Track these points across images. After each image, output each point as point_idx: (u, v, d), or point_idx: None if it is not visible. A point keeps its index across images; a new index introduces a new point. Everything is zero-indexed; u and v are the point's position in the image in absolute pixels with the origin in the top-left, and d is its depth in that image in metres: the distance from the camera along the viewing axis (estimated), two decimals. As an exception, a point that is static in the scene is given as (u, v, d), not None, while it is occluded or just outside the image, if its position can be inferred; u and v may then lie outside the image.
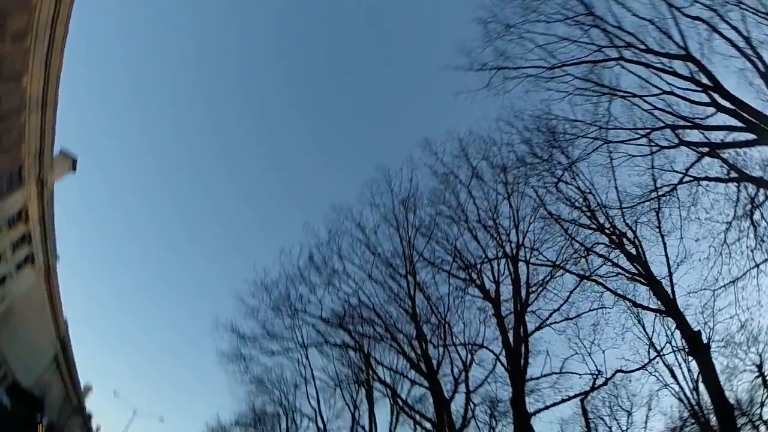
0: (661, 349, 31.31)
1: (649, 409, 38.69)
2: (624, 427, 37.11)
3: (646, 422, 36.60)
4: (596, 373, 29.40)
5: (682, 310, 22.83)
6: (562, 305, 29.42)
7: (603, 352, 29.92)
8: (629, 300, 27.58)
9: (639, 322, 31.60)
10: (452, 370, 34.49)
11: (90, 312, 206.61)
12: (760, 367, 32.58)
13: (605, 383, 30.01)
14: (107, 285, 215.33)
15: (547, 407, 29.68)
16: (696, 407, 32.58)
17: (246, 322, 48.63)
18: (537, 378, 31.33)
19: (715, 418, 25.34)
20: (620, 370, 29.39)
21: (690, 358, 29.86)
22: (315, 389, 44.85)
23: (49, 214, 42.85)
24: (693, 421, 33.19)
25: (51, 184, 40.33)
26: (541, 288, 30.51)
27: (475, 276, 32.18)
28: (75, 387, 63.70)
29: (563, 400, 30.17)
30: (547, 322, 30.05)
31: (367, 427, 42.34)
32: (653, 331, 31.03)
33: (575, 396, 30.52)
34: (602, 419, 37.82)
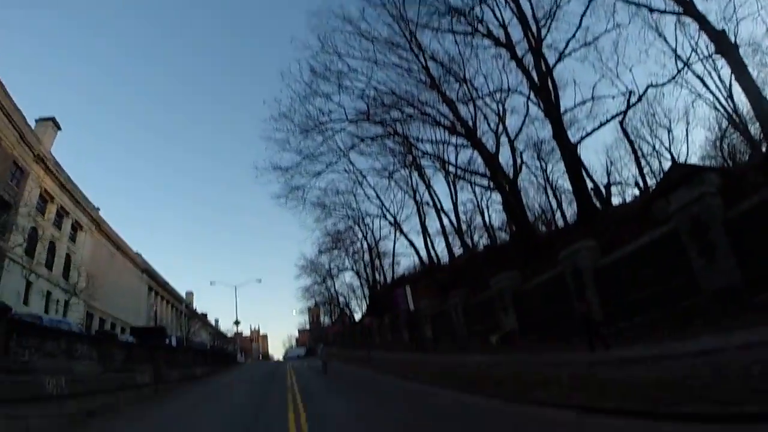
0: (688, 59, 31.57)
1: (688, 123, 41.71)
2: (666, 143, 40.14)
3: (687, 136, 39.46)
4: (628, 92, 32.15)
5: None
6: (576, 32, 30.13)
7: (630, 70, 35.11)
8: (644, 6, 28.14)
9: (660, 35, 32.24)
10: (489, 125, 37.38)
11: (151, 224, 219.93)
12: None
13: (639, 100, 32.74)
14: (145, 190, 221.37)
15: (588, 134, 33.40)
16: (733, 114, 33.84)
17: (283, 156, 55.31)
18: (571, 109, 34.60)
19: (758, 124, 26.43)
20: (651, 85, 31.86)
21: (720, 65, 32.06)
22: (371, 187, 53.10)
23: (66, 179, 43.61)
24: (733, 129, 34.52)
25: (48, 153, 40.22)
26: (550, 20, 30.58)
27: (477, 24, 32.40)
28: (178, 300, 71.47)
29: (602, 124, 33.41)
30: (566, 52, 31.01)
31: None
32: (676, 42, 31.28)
33: (613, 117, 33.32)
34: (644, 139, 41.19)
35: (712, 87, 34.77)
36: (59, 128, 43.18)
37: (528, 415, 9.09)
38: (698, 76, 34.39)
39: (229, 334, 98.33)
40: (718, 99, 34.86)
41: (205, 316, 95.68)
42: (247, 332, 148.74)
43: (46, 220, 39.70)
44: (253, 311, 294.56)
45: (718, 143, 35.80)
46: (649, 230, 17.41)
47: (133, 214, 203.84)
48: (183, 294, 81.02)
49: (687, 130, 46.19)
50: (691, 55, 31.35)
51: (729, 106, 34.13)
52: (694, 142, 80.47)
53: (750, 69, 24.60)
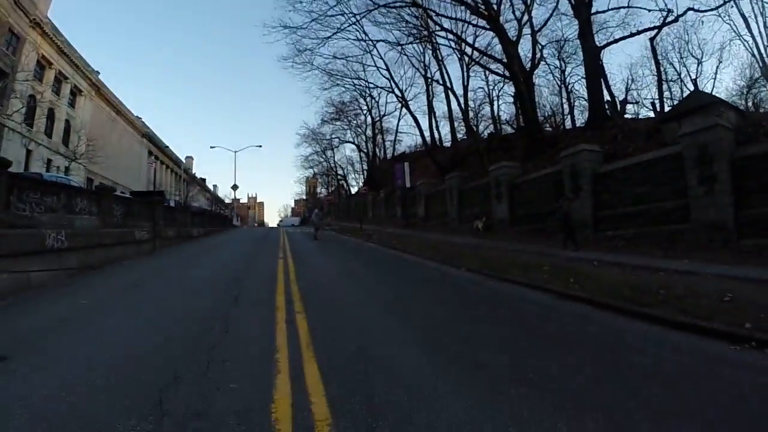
0: None
1: (720, 62, 40.71)
2: (693, 75, 39.02)
3: (716, 73, 38.55)
4: (666, 10, 30.49)
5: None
6: None
7: None
8: None
9: None
10: (514, 13, 36.08)
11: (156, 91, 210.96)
12: None
13: (676, 20, 31.19)
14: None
15: (616, 41, 32.75)
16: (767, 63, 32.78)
17: (292, 18, 53.07)
18: (604, 11, 33.77)
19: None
20: (693, 9, 30.04)
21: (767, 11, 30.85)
22: (381, 58, 52.99)
23: (63, 42, 42.11)
24: (764, 80, 33.32)
25: (45, 17, 38.56)
26: None
27: None
28: (178, 165, 71.68)
29: (632, 34, 32.45)
30: None
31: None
32: None
33: (645, 30, 32.26)
34: (672, 65, 40.11)
35: (755, 31, 33.40)
36: (56, -10, 40.67)
37: (506, 290, 9.70)
38: (743, 15, 32.71)
39: (227, 200, 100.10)
40: (757, 44, 33.27)
41: (203, 181, 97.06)
42: (244, 200, 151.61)
43: (44, 87, 38.91)
44: (251, 179, 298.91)
45: (745, 91, 34.05)
46: (655, 149, 17.47)
47: (135, 78, 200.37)
48: (183, 159, 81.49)
49: (717, 68, 44.37)
50: None
51: (766, 54, 32.66)
52: (721, 81, 77.65)
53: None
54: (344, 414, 3.43)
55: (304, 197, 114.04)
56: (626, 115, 33.77)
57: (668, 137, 18.29)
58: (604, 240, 17.12)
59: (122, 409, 3.53)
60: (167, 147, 71.23)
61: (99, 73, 50.49)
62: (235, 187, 55.23)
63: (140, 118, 63.18)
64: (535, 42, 36.06)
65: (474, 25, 37.00)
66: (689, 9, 29.85)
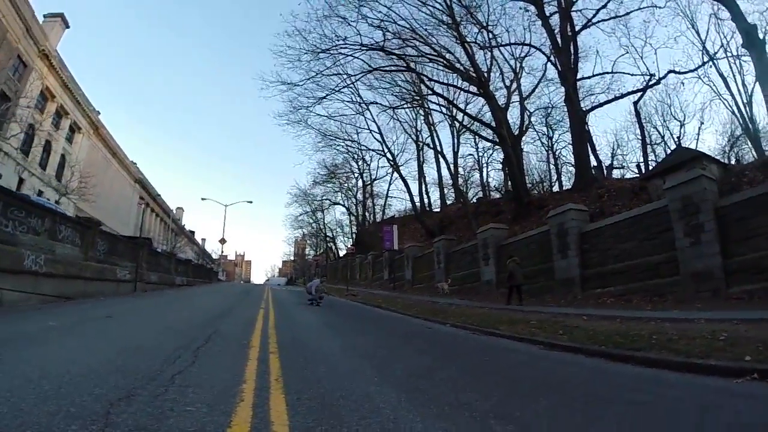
0: (715, 53, 31.51)
1: (702, 122, 41.65)
2: (676, 137, 39.29)
3: (698, 134, 39.67)
4: (648, 74, 32.28)
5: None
6: (608, 1, 29.24)
7: (655, 51, 37.67)
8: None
9: (692, 26, 33.01)
10: (504, 81, 37.56)
11: (153, 142, 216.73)
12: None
13: (658, 82, 32.52)
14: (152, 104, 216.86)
15: (600, 104, 33.84)
16: (749, 122, 33.18)
17: (290, 76, 54.09)
18: (589, 77, 34.96)
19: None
20: (673, 71, 31.60)
21: (746, 69, 31.50)
22: (374, 121, 53.68)
23: (68, 78, 42.58)
24: (744, 138, 34.04)
25: (54, 51, 39.13)
26: (583, -18, 29.43)
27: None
28: (168, 215, 71.30)
29: (616, 98, 33.47)
30: (594, 20, 30.48)
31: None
32: (707, 37, 32.41)
33: (628, 93, 33.24)
34: (656, 128, 40.84)
35: (734, 90, 34.14)
36: (68, 26, 41.88)
37: (491, 342, 9.28)
38: (722, 75, 33.83)
39: (215, 255, 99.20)
40: (737, 103, 34.24)
41: (192, 234, 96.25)
42: (232, 257, 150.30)
43: (44, 118, 38.96)
44: (240, 236, 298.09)
45: (727, 149, 35.25)
46: (641, 206, 17.58)
47: (134, 126, 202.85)
48: (173, 210, 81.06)
49: (700, 129, 46.16)
50: (718, 50, 30.85)
51: (746, 113, 33.55)
52: (704, 141, 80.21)
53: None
54: None
55: (292, 258, 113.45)
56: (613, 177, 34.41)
57: (653, 194, 18.45)
58: (592, 297, 16.88)
59: (67, 415, 3.23)
60: (159, 195, 70.94)
61: (99, 113, 50.99)
62: (223, 241, 54.96)
63: (135, 163, 63.24)
64: (523, 109, 37.46)
65: (465, 91, 38.27)
66: (670, 71, 31.22)
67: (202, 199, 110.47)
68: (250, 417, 3.49)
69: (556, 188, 41.88)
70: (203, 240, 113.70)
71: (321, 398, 4.20)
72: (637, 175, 33.89)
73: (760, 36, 23.41)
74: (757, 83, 26.45)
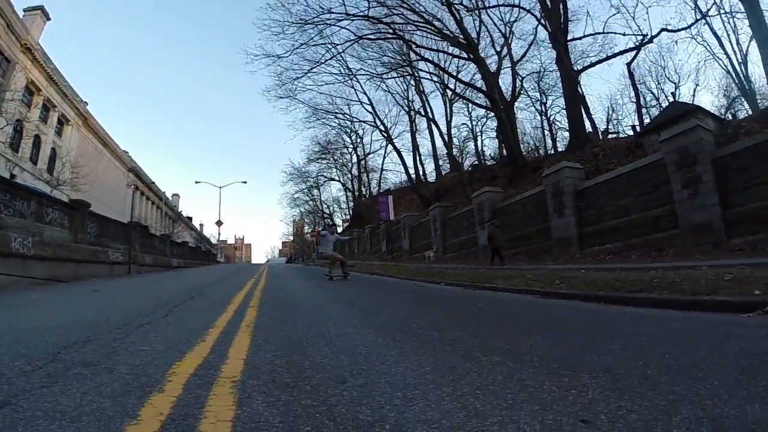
0: (707, 11, 30.44)
1: (697, 84, 40.58)
2: (671, 99, 38.41)
3: (693, 96, 39.22)
4: (641, 34, 31.49)
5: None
6: None
7: (647, 10, 35.06)
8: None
9: None
10: (494, 47, 36.84)
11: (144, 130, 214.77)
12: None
13: (650, 41, 31.61)
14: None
15: (592, 64, 33.08)
16: (744, 81, 32.96)
17: (276, 48, 52.22)
18: (580, 38, 34.29)
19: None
20: (665, 29, 30.60)
21: (740, 27, 31.20)
22: (364, 93, 52.35)
23: (53, 70, 41.95)
24: (741, 98, 33.45)
25: (36, 44, 38.49)
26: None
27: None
28: (163, 201, 70.74)
29: (608, 57, 32.89)
30: None
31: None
32: None
33: (620, 53, 32.62)
34: (650, 91, 40.98)
35: (729, 49, 33.68)
36: (48, 18, 41.12)
37: (485, 295, 9.03)
38: (715, 34, 33.29)
39: (214, 240, 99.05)
40: (732, 62, 33.73)
41: (190, 219, 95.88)
42: (231, 241, 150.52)
43: (31, 113, 38.51)
44: (239, 220, 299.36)
45: (724, 110, 34.27)
46: (637, 160, 17.21)
47: (125, 113, 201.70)
48: (169, 196, 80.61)
49: (695, 90, 45.60)
50: (711, 7, 29.85)
51: (742, 72, 33.03)
52: (700, 102, 79.30)
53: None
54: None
55: (291, 238, 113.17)
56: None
57: (649, 150, 18.14)
58: (591, 255, 16.60)
59: (16, 356, 3.13)
60: (153, 183, 70.35)
61: (87, 103, 50.23)
62: (219, 223, 54.45)
63: (127, 152, 62.58)
64: (515, 74, 36.74)
65: (455, 56, 37.59)
66: (663, 30, 30.40)
67: (196, 182, 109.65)
68: (206, 353, 3.21)
69: (552, 152, 41.62)
70: (201, 225, 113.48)
71: (289, 338, 3.91)
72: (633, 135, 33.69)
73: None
74: (753, 42, 26.04)
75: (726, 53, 33.73)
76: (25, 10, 37.97)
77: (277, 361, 3.04)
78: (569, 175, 18.87)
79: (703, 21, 30.98)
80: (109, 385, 2.46)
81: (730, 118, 29.55)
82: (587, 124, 32.52)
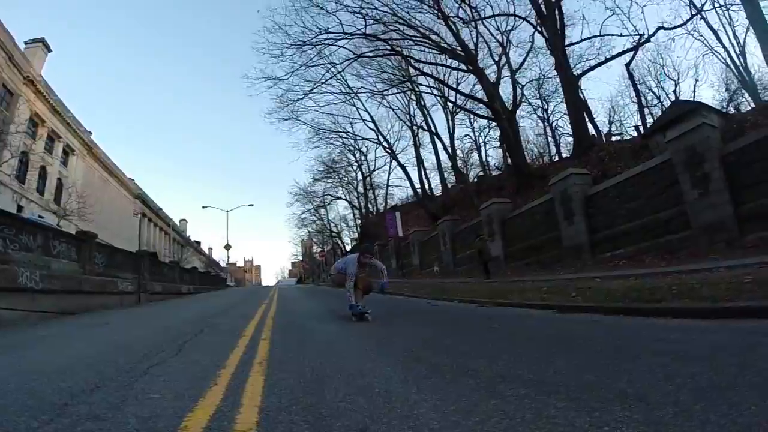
0: (702, 6, 29.83)
1: (696, 80, 40.12)
2: (672, 97, 38.22)
3: (694, 91, 38.65)
4: (638, 34, 31.38)
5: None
6: None
7: (642, 10, 35.32)
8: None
9: None
10: (492, 57, 37.11)
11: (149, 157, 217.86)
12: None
13: (647, 40, 31.60)
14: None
15: (591, 68, 32.96)
16: (744, 73, 32.43)
17: (275, 70, 52.25)
18: (577, 43, 33.95)
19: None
20: (662, 27, 30.56)
21: (736, 19, 30.37)
22: (366, 110, 52.96)
23: (56, 101, 42.42)
24: (742, 90, 32.96)
25: (38, 76, 38.97)
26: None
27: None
28: (171, 227, 71.29)
29: (606, 60, 32.57)
30: None
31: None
32: None
33: (619, 54, 32.40)
34: (651, 90, 40.10)
35: (726, 42, 33.27)
36: (49, 50, 41.82)
37: (500, 311, 8.86)
38: (712, 28, 32.81)
39: (223, 264, 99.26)
40: (730, 55, 33.39)
41: (198, 244, 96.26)
42: (240, 263, 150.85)
43: (36, 144, 38.96)
44: (246, 242, 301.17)
45: (725, 104, 33.61)
46: (643, 162, 17.03)
47: (128, 141, 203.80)
48: (177, 222, 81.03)
49: (695, 86, 45.44)
50: (705, 2, 29.51)
51: (741, 64, 32.64)
52: (700, 98, 79.11)
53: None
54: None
55: (300, 258, 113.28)
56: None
57: (655, 151, 17.95)
58: (603, 262, 16.35)
59: (22, 408, 3.03)
60: (161, 209, 70.77)
61: (91, 133, 50.78)
62: (228, 247, 54.57)
63: (133, 179, 63.02)
64: (514, 82, 36.57)
65: (454, 69, 37.62)
66: (659, 28, 30.42)
67: (203, 207, 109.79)
68: (219, 401, 3.06)
69: (556, 160, 41.53)
70: (210, 249, 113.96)
71: (304, 377, 3.77)
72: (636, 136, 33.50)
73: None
74: (750, 31, 25.93)
75: (724, 46, 33.48)
76: (26, 43, 38.59)
77: (293, 407, 2.89)
78: (576, 181, 18.74)
79: (699, 16, 30.74)
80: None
81: (733, 111, 29.43)
82: (590, 127, 32.39)
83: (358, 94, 45.09)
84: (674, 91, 38.79)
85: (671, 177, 14.57)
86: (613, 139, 36.68)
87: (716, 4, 29.86)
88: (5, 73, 33.55)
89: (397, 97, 47.73)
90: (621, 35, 32.63)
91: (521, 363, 3.87)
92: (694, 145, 13.67)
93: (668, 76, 39.29)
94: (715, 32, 32.95)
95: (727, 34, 33.07)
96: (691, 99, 33.74)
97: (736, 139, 13.71)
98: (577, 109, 28.81)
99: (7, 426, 2.63)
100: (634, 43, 31.54)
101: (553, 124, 44.44)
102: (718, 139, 13.89)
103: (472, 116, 43.92)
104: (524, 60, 37.81)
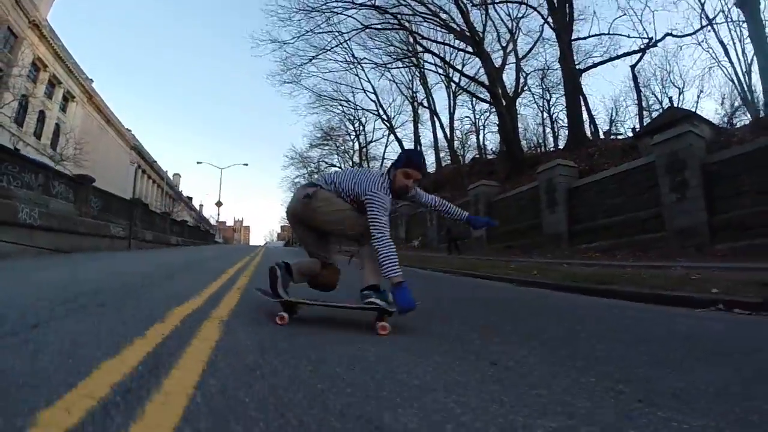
0: (714, 18, 30.39)
1: (701, 90, 40.27)
2: (675, 104, 38.02)
3: (697, 101, 39.19)
4: (647, 38, 31.82)
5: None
6: None
7: (653, 14, 33.98)
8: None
9: None
10: (500, 42, 37.54)
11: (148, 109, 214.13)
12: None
13: (654, 44, 32.14)
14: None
15: (595, 65, 34.21)
16: (747, 91, 32.57)
17: (281, 34, 52.29)
18: (584, 38, 34.95)
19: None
20: (670, 34, 31.13)
21: (746, 36, 29.83)
22: (368, 81, 53.16)
23: (60, 47, 42.42)
24: (743, 108, 32.84)
25: (44, 21, 38.93)
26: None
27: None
28: (164, 180, 71.58)
29: (611, 58, 33.76)
30: None
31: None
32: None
33: (625, 54, 33.31)
34: (654, 95, 40.67)
35: (734, 58, 33.40)
36: (57, -7, 41.29)
37: (464, 280, 9.70)
38: (721, 42, 32.93)
39: (213, 221, 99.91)
40: (736, 72, 33.43)
41: (190, 199, 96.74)
42: (230, 222, 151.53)
43: (37, 89, 39.18)
44: (238, 203, 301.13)
45: (725, 120, 33.71)
46: (630, 161, 17.79)
47: (129, 89, 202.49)
48: (170, 176, 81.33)
49: (698, 96, 45.66)
50: (717, 14, 30.13)
51: (745, 81, 32.76)
52: (702, 109, 79.34)
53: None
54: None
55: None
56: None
57: (643, 152, 18.63)
58: (579, 252, 17.12)
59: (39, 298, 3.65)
60: (155, 162, 70.94)
61: (93, 81, 50.71)
62: (219, 204, 55.29)
63: (130, 130, 63.05)
64: (519, 69, 37.36)
65: (459, 50, 38.11)
66: (668, 34, 30.86)
67: (198, 162, 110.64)
68: (200, 304, 3.83)
69: (552, 150, 42.02)
70: (201, 206, 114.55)
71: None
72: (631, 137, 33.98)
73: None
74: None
75: (731, 62, 33.57)
76: (34, -16, 38.15)
77: (259, 309, 3.70)
78: (562, 172, 19.49)
79: (709, 28, 31.04)
80: (120, 317, 3.08)
81: (728, 126, 29.95)
82: (589, 123, 33.14)
83: (362, 64, 45.45)
84: (677, 99, 39.06)
85: (653, 179, 15.32)
86: (612, 137, 37.28)
87: (728, 19, 30.19)
88: (11, 15, 33.58)
89: (401, 72, 48.20)
90: (629, 36, 33.26)
91: (456, 310, 4.66)
92: (678, 151, 14.40)
93: (674, 84, 39.58)
94: (724, 46, 33.08)
95: (735, 50, 33.44)
96: (692, 109, 34.09)
97: (720, 152, 14.42)
98: (576, 103, 29.38)
99: (28, 307, 3.28)
100: (642, 46, 32.02)
101: (554, 116, 44.93)
102: (702, 148, 14.62)
103: (474, 99, 44.41)
104: (531, 49, 38.33)
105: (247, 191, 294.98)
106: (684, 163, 14.15)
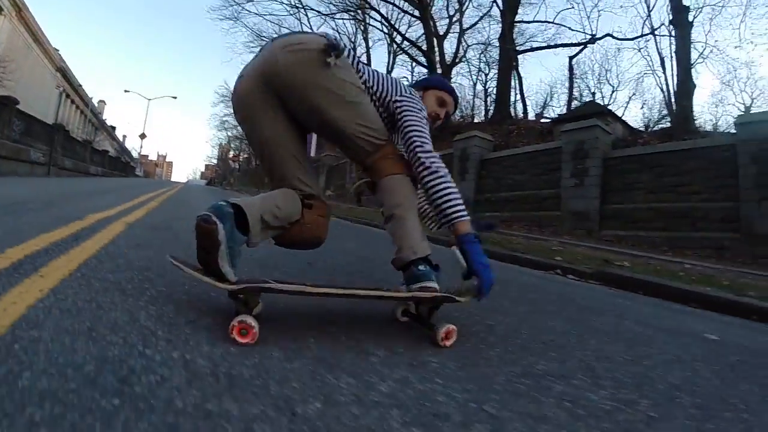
0: (657, 28, 31.62)
1: (633, 93, 46.98)
2: (606, 101, 40.34)
3: (627, 103, 41.32)
4: (591, 35, 32.87)
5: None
6: None
7: (599, 13, 35.48)
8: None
9: None
10: (447, 9, 37.96)
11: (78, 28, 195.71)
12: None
13: (594, 41, 33.32)
14: None
15: (533, 49, 35.36)
16: (673, 104, 33.14)
17: None
18: (528, 22, 36.26)
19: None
20: (611, 35, 32.49)
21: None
22: (311, 28, 52.75)
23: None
24: (667, 120, 34.79)
25: None
26: None
27: None
28: (88, 107, 68.04)
29: (550, 46, 34.97)
30: None
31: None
32: (653, 8, 32.76)
33: (565, 45, 34.61)
34: (588, 88, 42.00)
35: (668, 69, 33.90)
36: None
37: (357, 225, 10.97)
38: (659, 53, 34.88)
39: (135, 154, 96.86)
40: (667, 84, 34.25)
41: (113, 129, 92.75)
42: (153, 157, 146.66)
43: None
44: (162, 138, 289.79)
45: (651, 124, 35.35)
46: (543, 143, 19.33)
47: (60, 5, 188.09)
48: (95, 103, 77.59)
49: (629, 99, 47.81)
50: (660, 26, 31.25)
51: (674, 93, 32.77)
52: (630, 110, 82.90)
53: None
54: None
55: (215, 161, 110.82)
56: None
57: (557, 137, 20.16)
58: (481, 219, 18.49)
59: None
60: (80, 86, 67.24)
61: (27, -6, 46.99)
62: (143, 136, 53.90)
63: (58, 50, 59.48)
64: (460, 40, 38.28)
65: (405, 12, 38.61)
66: (608, 35, 32.30)
67: (125, 91, 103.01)
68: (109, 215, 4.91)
69: (477, 122, 43.73)
70: (124, 137, 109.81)
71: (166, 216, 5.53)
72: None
73: (690, 18, 24.42)
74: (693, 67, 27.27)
75: (664, 72, 34.29)
76: None
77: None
78: (478, 144, 20.84)
79: (651, 37, 32.31)
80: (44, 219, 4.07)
81: (644, 129, 32.23)
82: (521, 103, 35.33)
83: (306, 10, 45.16)
84: (610, 97, 40.74)
85: (557, 163, 16.85)
86: (542, 120, 39.19)
87: (670, 33, 31.50)
88: None
89: (344, 23, 48.31)
90: (573, 30, 34.28)
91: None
92: (584, 142, 16.01)
93: (608, 82, 41.85)
94: (661, 57, 33.91)
95: (672, 63, 34.27)
96: (622, 111, 35.97)
97: (623, 149, 16.16)
98: (507, 81, 31.04)
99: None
100: (583, 41, 33.49)
101: (489, 90, 46.29)
102: (606, 143, 16.32)
103: (413, 62, 45.09)
104: (477, 22, 38.92)
105: (173, 126, 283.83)
106: (587, 153, 15.82)
